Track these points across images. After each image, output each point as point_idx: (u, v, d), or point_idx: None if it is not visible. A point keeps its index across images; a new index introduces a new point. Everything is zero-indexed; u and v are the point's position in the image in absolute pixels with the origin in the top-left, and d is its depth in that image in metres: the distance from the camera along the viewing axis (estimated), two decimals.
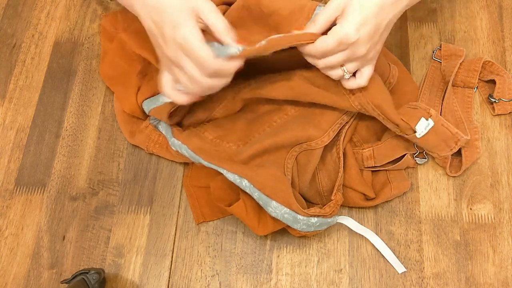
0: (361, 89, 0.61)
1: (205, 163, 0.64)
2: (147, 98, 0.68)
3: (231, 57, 0.53)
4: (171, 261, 0.67)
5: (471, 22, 0.78)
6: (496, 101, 0.71)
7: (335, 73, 0.59)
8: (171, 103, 0.62)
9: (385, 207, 0.68)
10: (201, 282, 0.66)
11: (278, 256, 0.66)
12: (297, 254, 0.66)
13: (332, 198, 0.63)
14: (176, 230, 0.69)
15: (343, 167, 0.66)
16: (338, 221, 0.63)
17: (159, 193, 0.70)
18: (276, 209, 0.60)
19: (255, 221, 0.63)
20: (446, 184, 0.69)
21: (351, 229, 0.65)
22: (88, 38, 0.80)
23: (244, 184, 0.61)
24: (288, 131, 0.64)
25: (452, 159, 0.68)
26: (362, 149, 0.68)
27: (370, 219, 0.68)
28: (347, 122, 0.67)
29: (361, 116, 0.68)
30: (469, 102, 0.72)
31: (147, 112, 0.68)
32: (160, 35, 0.54)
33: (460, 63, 0.72)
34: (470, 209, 0.68)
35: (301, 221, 0.60)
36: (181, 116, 0.68)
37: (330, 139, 0.65)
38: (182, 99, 0.58)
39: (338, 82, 0.61)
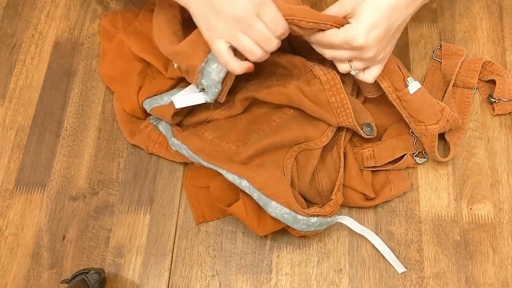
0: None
1: (205, 163, 0.64)
2: (148, 97, 0.68)
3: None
4: (171, 261, 0.67)
5: (471, 22, 0.78)
6: (496, 101, 0.71)
7: (342, 67, 0.59)
8: None
9: (385, 207, 0.68)
10: (201, 282, 0.66)
11: (278, 256, 0.66)
12: (297, 254, 0.66)
13: (332, 197, 0.63)
14: (176, 230, 0.69)
15: (343, 167, 0.66)
16: (338, 220, 0.64)
17: (159, 193, 0.70)
18: (276, 209, 0.60)
19: (255, 221, 0.63)
20: (446, 184, 0.69)
21: (351, 229, 0.65)
22: (88, 38, 0.80)
23: (244, 184, 0.61)
24: (287, 130, 0.64)
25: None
26: (362, 149, 0.68)
27: (370, 219, 0.68)
28: None
29: None
30: (467, 102, 0.72)
31: (148, 111, 0.68)
32: None
33: (461, 63, 0.72)
34: (470, 209, 0.68)
35: (301, 221, 0.60)
36: (183, 116, 0.69)
37: (329, 140, 0.65)
38: (241, 67, 0.55)
39: (328, 101, 0.62)
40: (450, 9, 0.79)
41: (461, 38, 0.77)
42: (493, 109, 0.72)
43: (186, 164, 0.72)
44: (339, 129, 0.67)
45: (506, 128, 0.72)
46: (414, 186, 0.69)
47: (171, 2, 0.60)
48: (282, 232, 0.65)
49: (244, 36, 0.54)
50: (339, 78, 0.61)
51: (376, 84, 0.63)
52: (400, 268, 0.64)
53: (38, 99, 0.77)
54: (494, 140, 0.71)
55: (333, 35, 0.55)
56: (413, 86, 0.62)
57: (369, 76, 0.60)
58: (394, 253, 0.65)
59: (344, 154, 0.67)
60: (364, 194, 0.67)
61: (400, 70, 0.62)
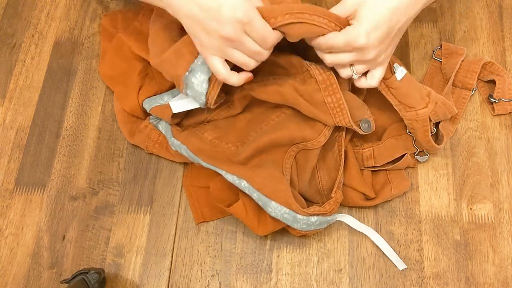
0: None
1: (204, 164, 0.64)
2: (148, 97, 0.68)
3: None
4: (171, 261, 0.67)
5: (471, 22, 0.78)
6: (496, 101, 0.71)
7: (344, 72, 0.59)
8: None
9: (385, 207, 0.68)
10: (201, 282, 0.66)
11: (278, 256, 0.66)
12: (297, 254, 0.66)
13: (332, 195, 0.63)
14: (176, 230, 0.69)
15: (344, 166, 0.66)
16: (337, 219, 0.64)
17: (159, 193, 0.70)
18: (275, 209, 0.60)
19: (255, 221, 0.63)
20: (446, 184, 0.69)
21: (351, 229, 0.65)
22: (88, 37, 0.80)
23: (243, 184, 0.61)
24: (285, 129, 0.64)
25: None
26: (362, 149, 0.68)
27: (370, 219, 0.68)
28: None
29: None
30: (463, 103, 0.72)
31: (148, 110, 0.68)
32: (209, 18, 0.52)
33: (461, 62, 0.72)
34: (470, 209, 0.68)
35: (301, 221, 0.60)
36: (182, 116, 0.69)
37: (327, 139, 0.65)
38: (239, 79, 0.57)
39: (324, 101, 0.62)
40: (450, 9, 0.79)
41: (461, 38, 0.77)
42: (493, 109, 0.72)
43: (186, 164, 0.72)
44: (339, 127, 0.67)
45: (506, 128, 0.72)
46: (414, 186, 0.69)
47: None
48: (282, 232, 0.65)
49: (236, 51, 0.54)
50: (335, 78, 0.61)
51: None
52: (401, 265, 0.64)
53: (38, 99, 0.77)
54: (494, 140, 0.71)
55: (334, 37, 0.55)
56: (400, 72, 0.62)
57: (372, 79, 0.60)
58: None
59: (345, 153, 0.67)
60: (364, 194, 0.67)
61: None
